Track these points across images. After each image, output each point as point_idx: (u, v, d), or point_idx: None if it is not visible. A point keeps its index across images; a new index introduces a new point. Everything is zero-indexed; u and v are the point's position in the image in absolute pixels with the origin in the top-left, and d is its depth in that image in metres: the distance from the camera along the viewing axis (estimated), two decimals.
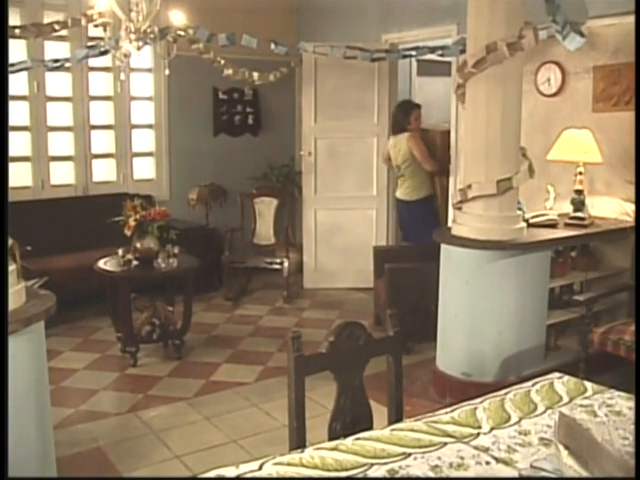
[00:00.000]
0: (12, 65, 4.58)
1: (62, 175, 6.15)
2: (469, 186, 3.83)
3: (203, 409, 3.89)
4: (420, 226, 5.71)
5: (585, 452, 1.53)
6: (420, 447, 1.75)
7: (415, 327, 4.42)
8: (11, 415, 2.30)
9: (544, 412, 1.99)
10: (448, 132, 5.90)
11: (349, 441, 1.78)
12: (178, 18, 4.67)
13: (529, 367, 3.84)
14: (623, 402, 2.04)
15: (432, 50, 5.28)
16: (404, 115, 5.82)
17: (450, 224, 4.23)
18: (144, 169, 6.63)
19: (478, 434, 1.84)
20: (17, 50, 5.38)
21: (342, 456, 1.70)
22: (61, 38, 5.77)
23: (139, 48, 4.23)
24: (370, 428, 2.07)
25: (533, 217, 4.23)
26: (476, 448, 1.75)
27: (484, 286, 3.85)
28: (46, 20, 5.43)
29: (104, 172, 6.39)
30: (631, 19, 4.13)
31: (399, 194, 5.95)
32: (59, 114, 6.08)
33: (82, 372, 4.45)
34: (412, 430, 1.84)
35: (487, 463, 1.68)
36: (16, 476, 2.35)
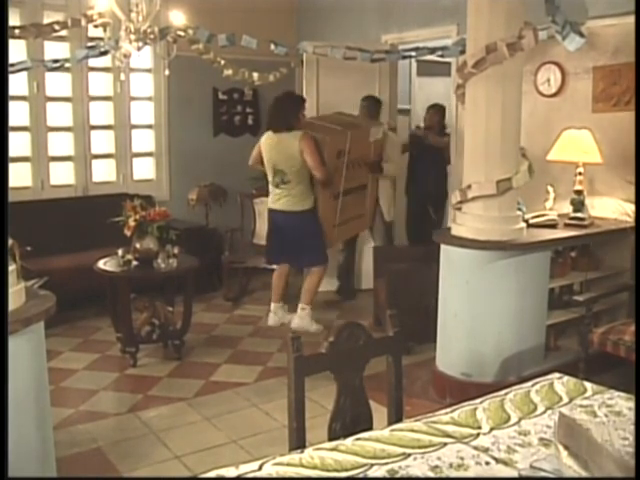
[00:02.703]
0: (12, 65, 4.58)
1: (62, 175, 6.16)
2: (469, 186, 3.84)
3: (203, 409, 3.88)
4: (307, 242, 5.07)
5: (585, 452, 1.53)
6: (420, 447, 1.75)
7: (415, 327, 4.42)
8: (11, 415, 2.30)
9: (544, 412, 1.98)
10: (339, 132, 5.18)
11: (349, 441, 1.78)
12: (178, 18, 4.67)
13: (529, 367, 3.84)
14: (623, 402, 2.04)
15: (432, 51, 5.27)
16: (296, 110, 4.98)
17: (450, 224, 4.23)
18: (144, 169, 6.64)
19: (478, 434, 1.84)
20: (17, 50, 5.38)
21: (342, 456, 1.70)
22: (61, 38, 5.77)
23: (139, 48, 4.22)
24: (370, 428, 2.06)
25: (533, 217, 4.23)
26: (476, 448, 1.75)
27: (484, 286, 3.85)
28: (46, 20, 5.43)
29: (104, 172, 6.40)
30: (631, 19, 4.13)
31: (281, 205, 4.99)
32: (59, 114, 6.08)
33: (82, 372, 4.45)
34: (412, 430, 1.84)
35: (487, 463, 1.68)
36: (16, 476, 2.35)
